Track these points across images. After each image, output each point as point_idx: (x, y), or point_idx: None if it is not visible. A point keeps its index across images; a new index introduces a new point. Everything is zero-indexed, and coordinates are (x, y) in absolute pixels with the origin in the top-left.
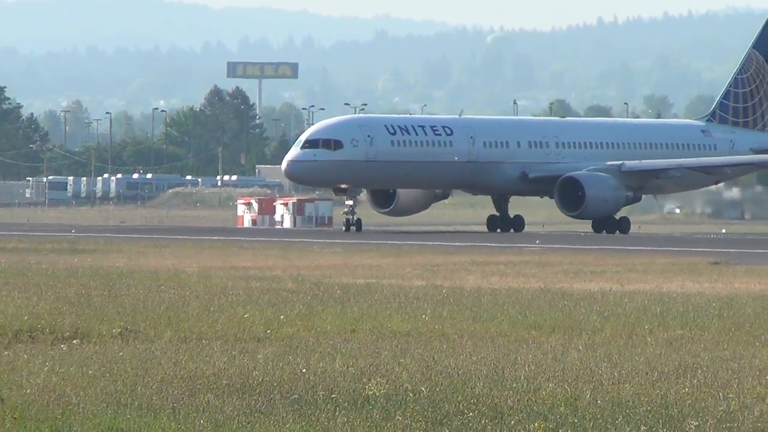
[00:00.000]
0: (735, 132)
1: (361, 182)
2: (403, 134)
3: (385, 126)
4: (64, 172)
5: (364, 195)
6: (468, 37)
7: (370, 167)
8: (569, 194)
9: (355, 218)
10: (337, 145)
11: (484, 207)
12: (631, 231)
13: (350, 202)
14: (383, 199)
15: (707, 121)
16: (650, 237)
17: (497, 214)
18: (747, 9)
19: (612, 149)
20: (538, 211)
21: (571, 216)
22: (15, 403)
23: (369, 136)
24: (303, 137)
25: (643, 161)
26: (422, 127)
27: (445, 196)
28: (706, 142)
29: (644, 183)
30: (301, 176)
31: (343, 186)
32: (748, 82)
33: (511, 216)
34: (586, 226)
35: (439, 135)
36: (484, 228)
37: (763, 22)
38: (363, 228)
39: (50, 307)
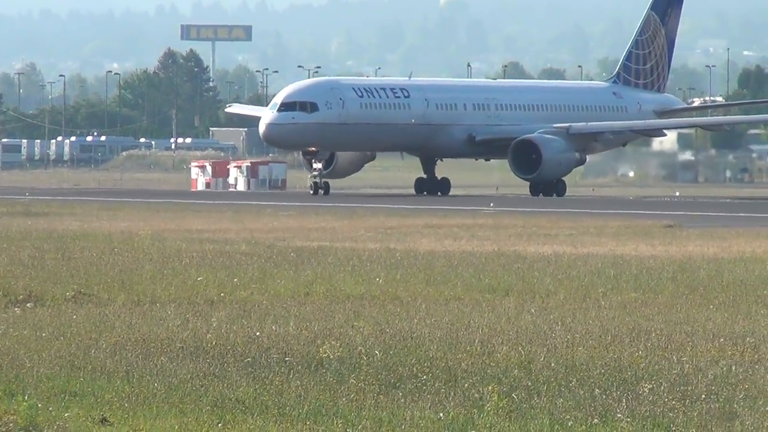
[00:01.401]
0: (640, 93)
1: (335, 145)
2: (369, 97)
3: (353, 89)
4: (18, 134)
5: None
6: (421, 0)
7: (343, 130)
8: (523, 157)
9: (322, 181)
10: (312, 107)
11: (407, 170)
12: (585, 194)
13: (319, 165)
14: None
15: (613, 82)
16: (604, 200)
17: (425, 176)
18: None
19: (541, 111)
20: (476, 174)
21: (525, 179)
22: None
23: (340, 98)
24: (278, 100)
25: (589, 123)
26: (384, 89)
27: (372, 158)
28: (618, 103)
29: (586, 145)
30: (280, 139)
31: (312, 149)
32: (646, 43)
33: (438, 178)
34: (524, 189)
35: (399, 98)
36: (412, 191)
37: None
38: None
39: (4, 270)
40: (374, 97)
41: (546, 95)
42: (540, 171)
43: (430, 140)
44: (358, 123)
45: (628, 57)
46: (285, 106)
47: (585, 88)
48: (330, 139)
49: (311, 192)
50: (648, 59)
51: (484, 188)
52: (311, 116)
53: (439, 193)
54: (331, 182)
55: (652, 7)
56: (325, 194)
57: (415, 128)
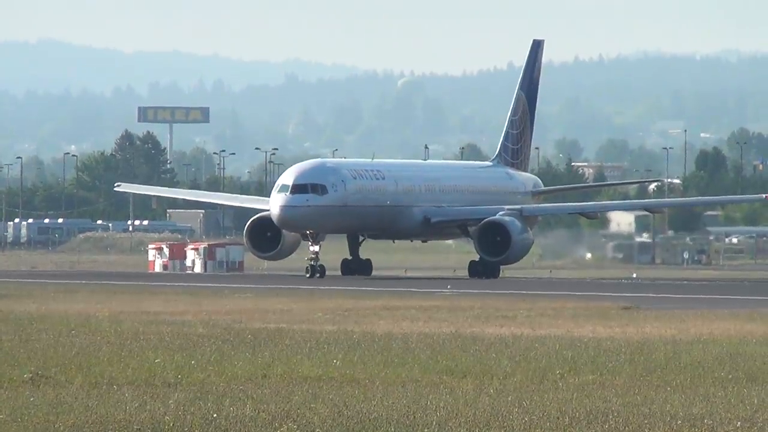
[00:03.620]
0: (520, 174)
1: (337, 227)
2: (360, 179)
3: (348, 171)
4: None
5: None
6: (379, 81)
7: (345, 212)
8: (488, 239)
9: (318, 264)
10: (323, 189)
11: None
12: (543, 276)
13: (316, 248)
14: (265, 243)
15: (496, 163)
16: (561, 281)
17: (350, 258)
18: (657, 52)
19: (465, 194)
20: (434, 256)
21: (493, 261)
22: None
23: (342, 181)
24: (287, 182)
25: (539, 205)
26: (367, 171)
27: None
28: (512, 185)
29: (531, 226)
30: (296, 221)
31: (309, 231)
32: (518, 124)
33: (363, 259)
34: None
35: (378, 180)
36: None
37: (525, 62)
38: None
39: None
40: (363, 179)
41: (466, 176)
42: (509, 252)
43: (396, 221)
44: (356, 205)
45: (506, 137)
46: (297, 189)
47: (491, 169)
48: (335, 220)
49: (307, 275)
50: (519, 139)
51: (437, 270)
52: (322, 198)
53: (363, 276)
54: (277, 264)
55: (521, 87)
56: (321, 277)
57: (387, 209)
